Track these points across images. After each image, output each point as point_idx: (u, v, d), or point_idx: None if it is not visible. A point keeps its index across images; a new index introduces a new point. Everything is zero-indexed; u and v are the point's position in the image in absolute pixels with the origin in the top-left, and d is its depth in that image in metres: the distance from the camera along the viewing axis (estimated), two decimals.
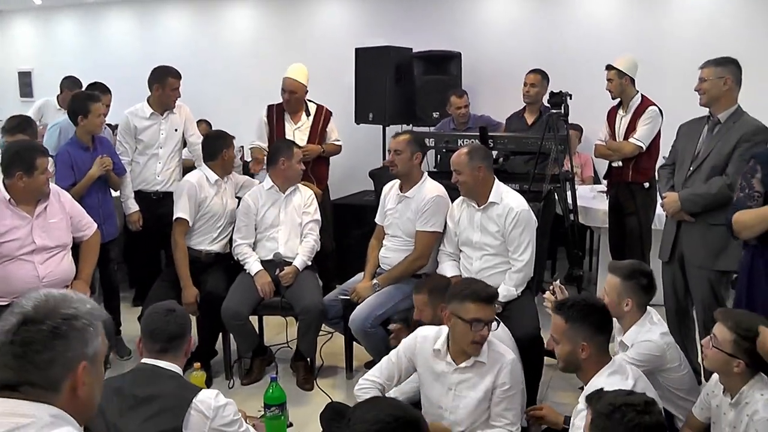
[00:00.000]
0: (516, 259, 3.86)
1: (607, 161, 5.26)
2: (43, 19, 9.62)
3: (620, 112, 5.13)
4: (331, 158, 5.45)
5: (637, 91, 5.04)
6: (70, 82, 6.02)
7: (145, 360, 2.62)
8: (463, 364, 2.97)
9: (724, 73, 3.76)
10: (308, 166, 5.13)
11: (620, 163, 5.06)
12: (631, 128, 5.00)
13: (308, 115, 5.24)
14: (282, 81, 5.14)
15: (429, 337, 3.09)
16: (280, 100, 5.25)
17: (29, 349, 1.49)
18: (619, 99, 5.11)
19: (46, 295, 1.57)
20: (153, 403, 2.44)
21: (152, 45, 8.68)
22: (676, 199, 3.88)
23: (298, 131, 5.19)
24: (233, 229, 4.54)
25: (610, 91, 5.05)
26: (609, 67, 5.03)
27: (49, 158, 3.94)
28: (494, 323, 2.98)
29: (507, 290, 3.83)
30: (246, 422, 2.70)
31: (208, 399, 2.44)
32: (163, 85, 4.94)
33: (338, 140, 5.41)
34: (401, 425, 1.84)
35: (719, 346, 2.67)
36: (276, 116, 5.26)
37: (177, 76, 5.00)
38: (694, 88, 3.86)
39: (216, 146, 4.56)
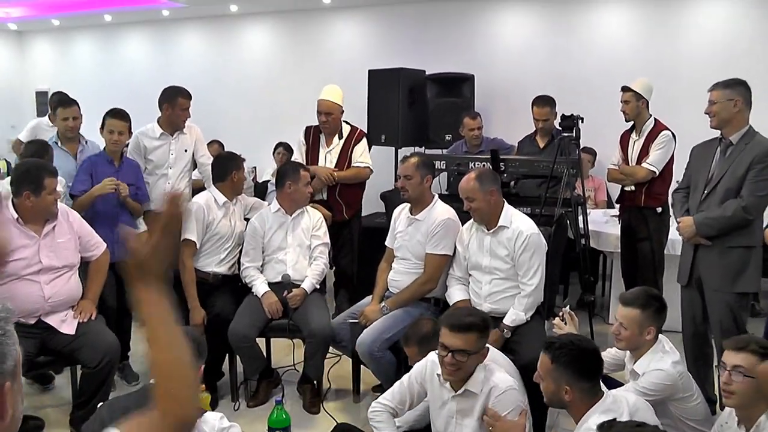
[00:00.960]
0: (525, 284, 3.81)
1: (620, 185, 5.22)
2: (62, 40, 9.74)
3: (633, 135, 5.08)
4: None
5: (651, 115, 5.00)
6: (57, 98, 5.94)
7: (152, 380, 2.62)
8: (458, 392, 2.93)
9: (734, 95, 3.73)
10: (335, 191, 5.11)
11: (633, 188, 5.01)
12: (644, 152, 4.95)
13: (341, 137, 5.17)
14: (317, 103, 5.08)
15: (437, 362, 3.04)
16: (312, 122, 5.20)
17: None
18: (632, 123, 5.06)
19: None
20: None
21: (168, 65, 8.77)
22: (691, 224, 3.83)
23: (329, 154, 5.15)
24: (241, 251, 4.53)
25: (625, 113, 5.00)
26: (626, 89, 4.98)
27: (60, 178, 3.95)
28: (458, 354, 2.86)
29: (516, 314, 3.78)
30: None
31: (212, 420, 2.44)
32: (173, 105, 4.92)
33: (362, 162, 5.21)
34: None
35: (750, 373, 2.56)
36: (312, 139, 5.21)
37: (187, 96, 4.98)
38: (704, 111, 3.84)
39: (226, 168, 4.56)
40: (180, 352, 1.38)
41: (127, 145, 4.82)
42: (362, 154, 5.22)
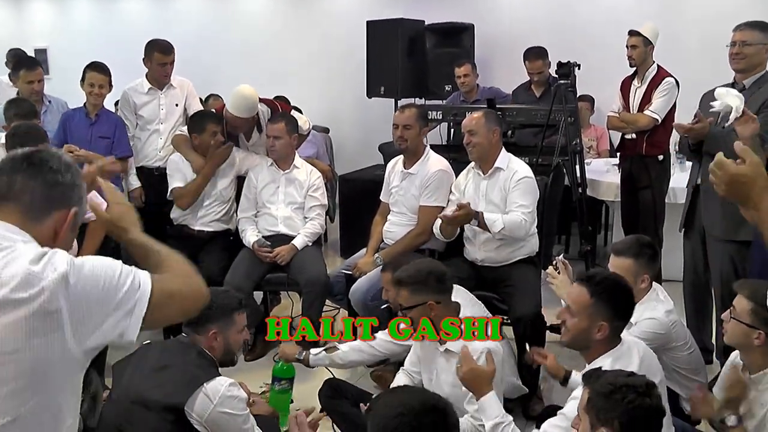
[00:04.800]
0: (519, 213, 3.68)
1: (620, 133, 5.12)
2: None
3: (635, 82, 4.96)
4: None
5: (654, 61, 4.88)
6: (19, 59, 5.71)
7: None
8: (441, 348, 2.87)
9: (767, 39, 3.60)
10: None
11: (634, 136, 4.91)
12: (646, 100, 4.85)
13: (260, 131, 4.67)
14: (225, 116, 4.52)
15: None
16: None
17: (45, 165, 1.53)
18: (634, 69, 4.95)
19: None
20: (172, 371, 2.45)
21: (168, 21, 8.62)
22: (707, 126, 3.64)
23: (253, 147, 4.75)
24: (230, 208, 4.54)
25: (631, 59, 4.86)
26: (634, 33, 4.82)
27: None
28: None
29: (496, 217, 3.64)
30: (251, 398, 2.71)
31: (219, 385, 2.42)
32: (150, 59, 4.85)
33: (306, 128, 4.79)
34: (428, 410, 1.81)
35: (738, 317, 2.57)
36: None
37: (164, 51, 4.84)
38: (731, 51, 3.65)
39: (190, 128, 4.52)
40: (181, 263, 1.80)
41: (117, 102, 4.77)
42: (302, 123, 4.73)
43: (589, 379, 2.15)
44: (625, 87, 5.04)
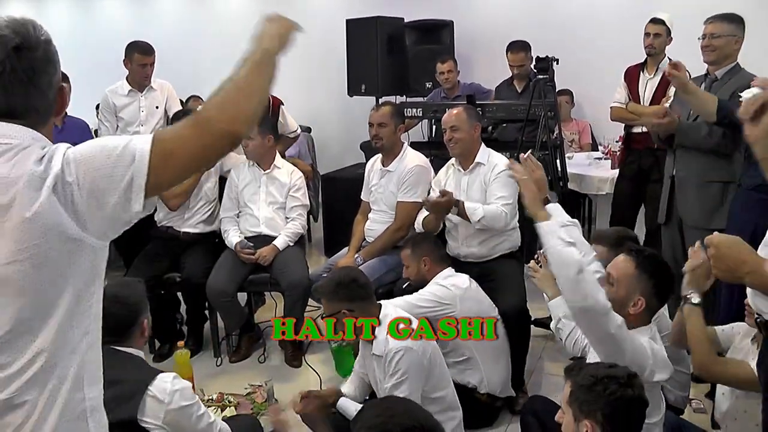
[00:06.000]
0: (499, 204, 3.71)
1: (623, 125, 5.01)
2: (36, 1, 9.53)
3: (645, 73, 4.87)
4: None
5: (665, 54, 4.78)
6: None
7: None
8: (370, 352, 2.96)
9: (738, 31, 3.63)
10: None
11: (644, 129, 4.79)
12: (660, 92, 4.75)
13: None
14: None
15: None
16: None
17: (33, 74, 1.51)
18: (644, 59, 4.86)
19: (18, 19, 1.57)
20: (114, 388, 2.35)
21: (146, 24, 8.58)
22: (675, 120, 3.72)
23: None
24: (215, 209, 4.50)
25: (651, 47, 4.75)
26: (658, 21, 4.74)
27: None
28: None
29: (477, 206, 3.66)
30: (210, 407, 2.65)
31: (164, 383, 2.31)
32: (130, 60, 4.83)
33: (294, 130, 5.06)
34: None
35: None
36: None
37: (145, 52, 4.84)
38: (702, 44, 3.68)
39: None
40: (268, 84, 1.64)
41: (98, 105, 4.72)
42: (291, 122, 5.00)
43: (570, 372, 2.16)
44: (632, 77, 4.92)
